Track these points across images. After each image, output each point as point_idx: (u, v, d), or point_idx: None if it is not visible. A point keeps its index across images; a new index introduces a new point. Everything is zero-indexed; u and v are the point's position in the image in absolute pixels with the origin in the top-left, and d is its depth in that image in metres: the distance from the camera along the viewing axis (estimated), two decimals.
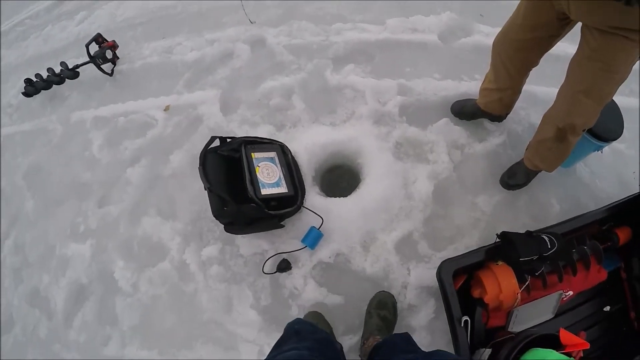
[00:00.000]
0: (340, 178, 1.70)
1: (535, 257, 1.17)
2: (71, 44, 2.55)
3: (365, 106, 1.70)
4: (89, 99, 2.19)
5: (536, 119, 1.65)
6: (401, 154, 1.60)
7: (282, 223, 1.41)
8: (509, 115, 1.65)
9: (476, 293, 1.19)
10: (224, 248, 1.53)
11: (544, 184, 1.57)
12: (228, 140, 1.45)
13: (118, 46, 2.25)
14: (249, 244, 1.49)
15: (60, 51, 2.55)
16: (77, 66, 2.20)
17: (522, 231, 1.22)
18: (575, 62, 1.09)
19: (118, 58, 2.24)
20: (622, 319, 1.38)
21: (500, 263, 1.19)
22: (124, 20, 2.47)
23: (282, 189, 1.36)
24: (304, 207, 1.42)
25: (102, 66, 2.13)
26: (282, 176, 1.39)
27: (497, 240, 1.22)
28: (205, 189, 1.32)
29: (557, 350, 0.95)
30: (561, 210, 1.54)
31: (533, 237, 1.20)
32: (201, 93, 1.91)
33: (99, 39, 2.18)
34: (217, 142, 1.47)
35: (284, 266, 1.42)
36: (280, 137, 1.63)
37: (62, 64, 2.25)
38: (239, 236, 1.51)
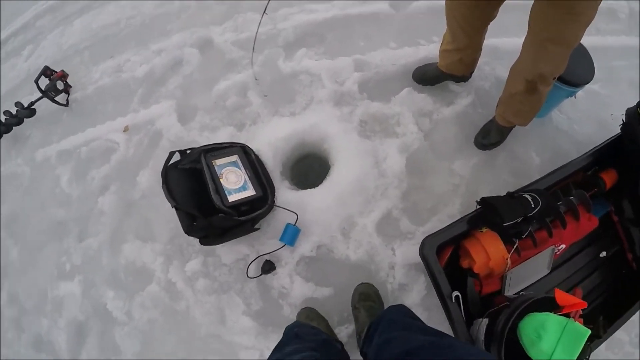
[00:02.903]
0: (310, 168, 1.54)
1: (520, 219, 1.04)
2: (23, 81, 2.29)
3: (324, 89, 1.52)
4: (50, 134, 1.97)
5: (502, 72, 1.51)
6: (367, 131, 1.43)
7: (256, 226, 1.26)
8: (473, 74, 1.49)
9: (465, 263, 1.06)
10: (206, 260, 1.39)
11: (520, 138, 1.43)
12: (187, 151, 1.28)
13: (68, 75, 2.01)
14: (230, 252, 1.35)
15: (14, 91, 2.30)
16: (32, 103, 1.99)
17: (505, 191, 1.08)
18: (537, 10, 0.93)
19: (70, 87, 2.01)
20: (620, 262, 1.26)
21: (484, 230, 1.06)
22: (70, 47, 2.22)
23: (250, 192, 1.21)
24: (275, 205, 1.26)
25: (56, 98, 1.91)
26: (247, 179, 1.23)
27: (478, 207, 1.09)
28: (172, 207, 1.16)
29: (554, 312, 0.83)
30: (542, 162, 1.41)
31: (515, 199, 1.06)
32: (157, 107, 1.72)
33: (47, 71, 1.94)
34: (178, 156, 1.30)
35: (268, 267, 1.28)
36: (242, 137, 1.46)
37: (17, 104, 2.01)
38: (219, 246, 1.37)
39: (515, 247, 1.07)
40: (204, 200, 1.15)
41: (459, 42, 1.27)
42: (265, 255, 1.30)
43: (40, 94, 1.88)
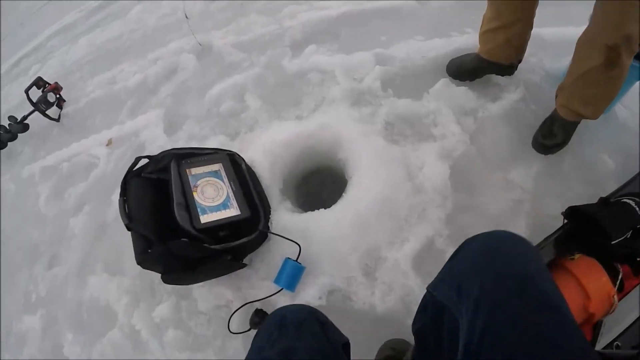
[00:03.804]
0: (321, 186, 1.18)
1: (629, 234, 0.70)
2: (24, 99, 2.14)
3: (337, 87, 1.20)
4: (38, 150, 1.75)
5: (553, 63, 1.16)
6: (395, 135, 1.07)
7: (244, 262, 0.88)
8: (519, 66, 1.14)
9: None
10: (179, 304, 1.01)
11: (584, 139, 1.05)
12: (159, 156, 0.95)
13: (61, 88, 1.82)
14: (209, 295, 0.96)
15: (15, 108, 2.15)
16: (24, 117, 1.80)
17: (581, 203, 0.76)
18: None
19: (64, 101, 1.81)
20: None
21: (577, 256, 0.72)
22: (73, 63, 2.06)
23: (232, 212, 0.84)
24: (270, 232, 0.89)
25: (47, 111, 1.72)
26: (231, 194, 0.88)
27: (565, 222, 0.76)
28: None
29: None
30: (617, 166, 1.02)
31: (615, 205, 0.74)
32: (143, 117, 1.44)
33: (39, 82, 1.77)
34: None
35: (259, 320, 0.88)
36: (234, 147, 1.13)
37: (10, 117, 1.84)
38: (195, 287, 0.99)
39: (620, 278, 0.69)
40: (168, 222, 0.80)
41: (506, 17, 0.97)
42: (255, 303, 0.90)
43: (32, 107, 1.70)
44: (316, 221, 0.91)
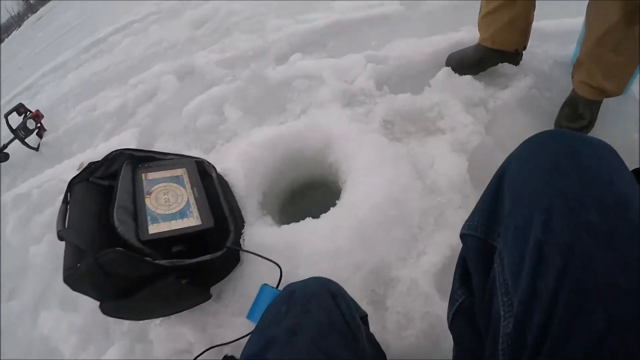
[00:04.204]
0: (312, 201, 0.98)
1: None
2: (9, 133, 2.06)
3: (326, 90, 1.05)
4: (15, 180, 1.63)
5: (559, 52, 1.05)
6: (396, 134, 0.90)
7: (210, 292, 0.66)
8: (523, 57, 1.02)
9: None
10: (133, 347, 0.76)
11: (607, 120, 0.89)
12: (110, 156, 0.77)
13: (43, 116, 1.73)
14: (167, 337, 0.72)
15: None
16: (4, 146, 1.71)
17: None
18: None
19: (45, 130, 1.72)
20: None
21: None
22: (60, 97, 1.99)
23: (192, 221, 0.64)
24: (240, 249, 0.68)
25: (27, 139, 1.63)
26: (192, 201, 0.68)
27: None
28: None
29: None
30: None
31: None
32: (117, 138, 1.30)
33: (20, 109, 1.70)
34: None
35: None
36: (209, 159, 0.96)
37: None
38: (152, 327, 0.75)
39: None
40: (112, 235, 0.59)
41: None
42: (223, 347, 0.66)
43: (12, 137, 1.64)
44: (303, 234, 0.70)
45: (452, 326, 0.40)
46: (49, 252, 1.14)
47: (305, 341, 0.37)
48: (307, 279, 0.48)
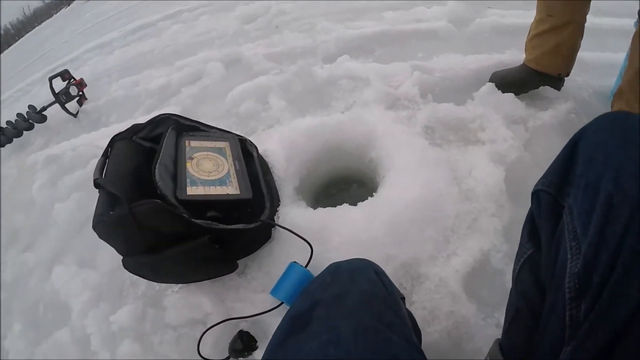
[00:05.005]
0: (346, 194, 1.01)
1: None
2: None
3: (371, 91, 1.10)
4: (48, 142, 1.72)
5: (600, 82, 1.10)
6: (437, 140, 0.93)
7: (237, 263, 0.68)
8: (565, 84, 1.05)
9: None
10: (145, 311, 0.78)
11: None
12: (157, 119, 0.82)
13: (86, 85, 1.83)
14: (184, 304, 0.74)
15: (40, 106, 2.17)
16: (44, 108, 1.79)
17: None
18: None
19: (86, 99, 1.81)
20: None
21: None
22: (103, 71, 2.10)
23: (231, 189, 0.67)
24: (275, 224, 0.71)
25: (67, 105, 1.71)
26: (232, 172, 0.72)
27: None
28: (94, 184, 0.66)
29: None
30: None
31: None
32: (156, 114, 1.37)
33: (65, 75, 1.78)
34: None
35: (243, 345, 0.65)
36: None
37: (30, 107, 1.84)
38: (168, 293, 0.77)
39: None
40: (149, 194, 0.63)
41: (557, 18, 0.91)
42: (240, 321, 0.68)
43: (54, 100, 1.70)
44: (338, 219, 0.73)
45: (517, 278, 0.42)
46: (74, 211, 1.18)
47: (351, 303, 0.39)
48: (351, 259, 0.50)
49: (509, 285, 0.66)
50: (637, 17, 0.92)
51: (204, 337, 0.67)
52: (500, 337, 0.47)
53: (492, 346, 0.47)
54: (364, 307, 0.38)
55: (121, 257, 0.67)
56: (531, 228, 0.41)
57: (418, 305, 0.66)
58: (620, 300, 0.26)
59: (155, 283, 0.82)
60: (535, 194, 0.38)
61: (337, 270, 0.46)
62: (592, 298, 0.27)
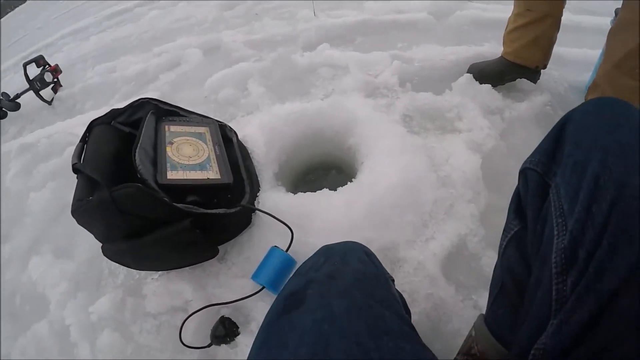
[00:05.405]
0: (324, 178, 1.01)
1: None
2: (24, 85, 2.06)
3: (350, 79, 1.09)
4: (22, 130, 1.64)
5: (575, 77, 1.12)
6: (415, 128, 0.94)
7: (217, 249, 0.67)
8: (540, 77, 1.08)
9: None
10: (125, 300, 0.76)
11: None
12: (136, 103, 0.79)
13: (61, 71, 1.74)
14: (164, 292, 0.72)
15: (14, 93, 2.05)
16: (18, 96, 1.71)
17: None
18: None
19: (61, 86, 1.73)
20: None
21: None
22: (79, 57, 2.00)
23: (210, 174, 0.66)
24: (255, 209, 0.70)
25: (41, 92, 1.63)
26: (212, 157, 0.70)
27: None
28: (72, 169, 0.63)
29: None
30: None
31: None
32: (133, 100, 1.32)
33: (40, 61, 1.70)
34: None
35: (224, 332, 0.64)
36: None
37: (3, 94, 1.74)
38: (148, 281, 0.75)
39: None
40: (128, 179, 0.60)
41: (535, 11, 0.93)
42: (221, 307, 0.67)
43: (27, 87, 1.63)
44: (318, 204, 0.73)
45: (504, 254, 0.43)
46: (50, 200, 1.13)
47: (343, 283, 0.39)
48: (341, 241, 0.51)
49: (486, 268, 0.69)
50: (614, 15, 0.95)
51: (185, 324, 0.66)
52: (482, 314, 0.48)
53: (477, 320, 0.48)
54: (356, 286, 0.39)
55: (100, 245, 0.65)
56: (517, 205, 0.41)
57: (398, 288, 0.66)
58: (605, 275, 0.26)
59: (135, 271, 0.80)
60: (523, 172, 0.39)
61: (329, 251, 0.46)
62: (578, 272, 0.27)
